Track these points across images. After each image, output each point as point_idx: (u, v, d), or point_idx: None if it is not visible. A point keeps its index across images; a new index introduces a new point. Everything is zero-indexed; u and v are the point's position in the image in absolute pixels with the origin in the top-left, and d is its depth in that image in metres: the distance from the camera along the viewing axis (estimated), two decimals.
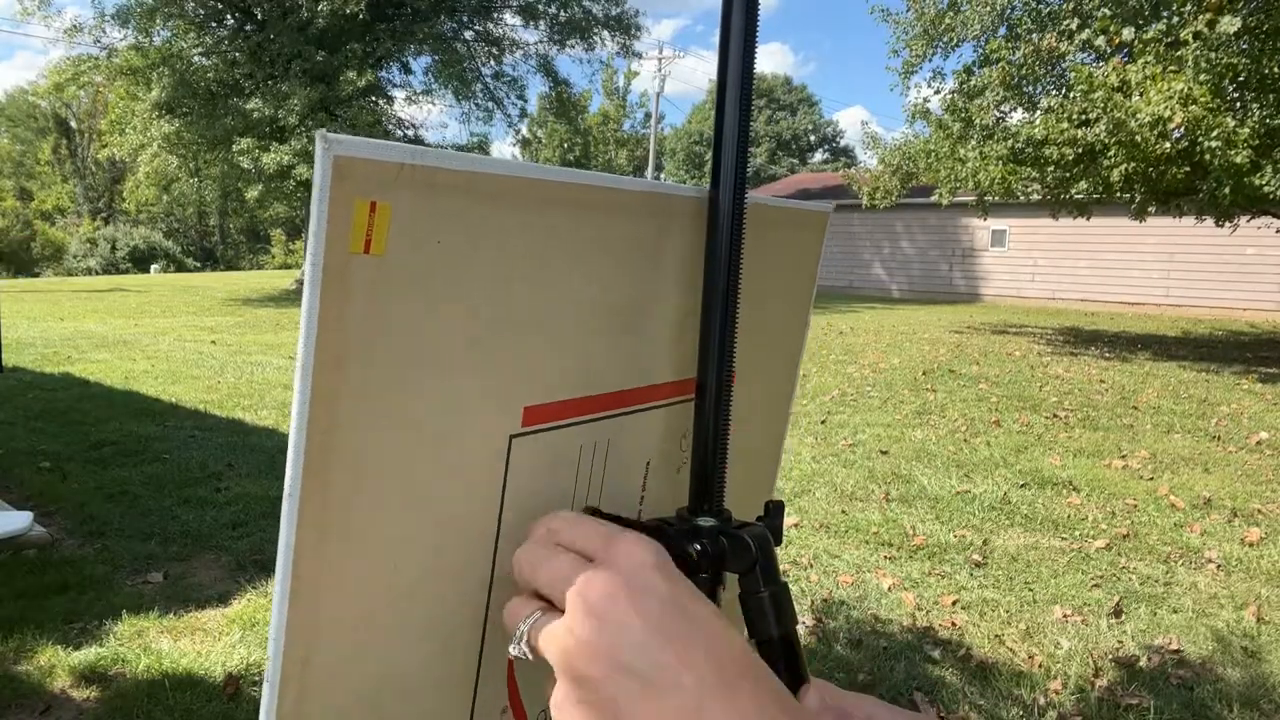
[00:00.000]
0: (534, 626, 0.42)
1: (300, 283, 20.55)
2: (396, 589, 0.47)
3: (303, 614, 0.42)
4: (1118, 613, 3.27)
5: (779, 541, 0.61)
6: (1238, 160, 8.10)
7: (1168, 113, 8.06)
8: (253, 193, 18.17)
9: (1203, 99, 8.02)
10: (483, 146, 21.95)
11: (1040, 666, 2.87)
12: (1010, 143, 10.04)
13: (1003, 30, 10.93)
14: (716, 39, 0.58)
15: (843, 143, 53.69)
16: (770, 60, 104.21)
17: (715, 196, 0.57)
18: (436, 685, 0.51)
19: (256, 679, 2.69)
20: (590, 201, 0.51)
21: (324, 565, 0.42)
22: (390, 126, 19.59)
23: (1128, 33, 8.68)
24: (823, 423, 6.48)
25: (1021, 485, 4.91)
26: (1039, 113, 10.05)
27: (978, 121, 10.49)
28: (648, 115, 41.41)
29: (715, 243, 0.57)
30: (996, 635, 3.08)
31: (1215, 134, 8.06)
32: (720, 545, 0.57)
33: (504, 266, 0.47)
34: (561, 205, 0.49)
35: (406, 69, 20.99)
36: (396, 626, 0.47)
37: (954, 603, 3.34)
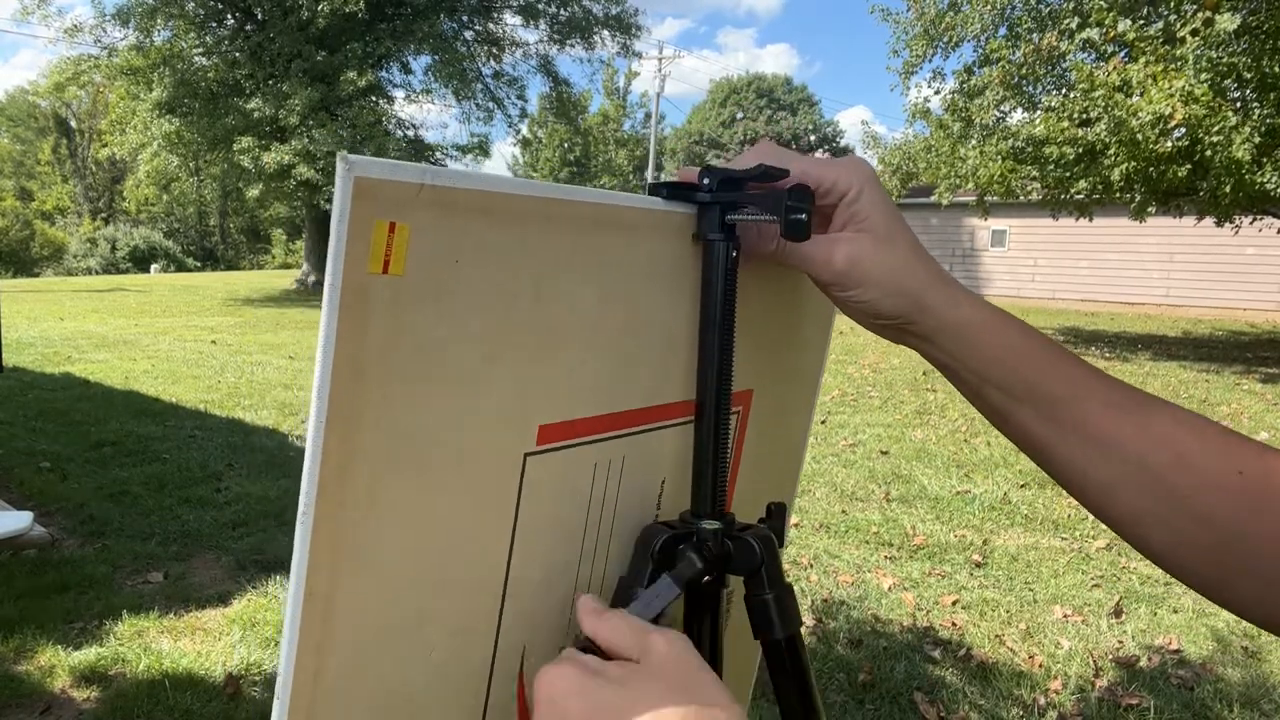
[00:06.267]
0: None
1: (300, 283, 20.54)
2: (408, 605, 0.46)
3: (315, 628, 0.42)
4: (1118, 613, 3.27)
5: (782, 543, 0.60)
6: (1238, 155, 8.08)
7: (1168, 109, 8.04)
8: (253, 192, 18.17)
9: (1204, 97, 8.01)
10: (483, 146, 21.94)
11: (1040, 666, 2.87)
12: (1011, 141, 10.03)
13: (1003, 30, 10.92)
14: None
15: (843, 143, 53.64)
16: (775, 62, 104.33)
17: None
18: (446, 702, 0.51)
19: (257, 679, 2.70)
20: (609, 220, 0.51)
21: (337, 579, 0.42)
22: (390, 126, 19.57)
23: (1123, 25, 8.66)
24: (823, 423, 6.48)
25: (1021, 485, 4.91)
26: (1039, 112, 10.04)
27: (978, 121, 10.48)
28: (648, 115, 41.43)
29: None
30: (997, 635, 3.08)
31: (1216, 129, 8.04)
32: (724, 548, 0.57)
33: (520, 285, 0.47)
34: (579, 224, 0.49)
35: (406, 69, 20.97)
36: (408, 641, 0.47)
37: (954, 603, 3.34)
